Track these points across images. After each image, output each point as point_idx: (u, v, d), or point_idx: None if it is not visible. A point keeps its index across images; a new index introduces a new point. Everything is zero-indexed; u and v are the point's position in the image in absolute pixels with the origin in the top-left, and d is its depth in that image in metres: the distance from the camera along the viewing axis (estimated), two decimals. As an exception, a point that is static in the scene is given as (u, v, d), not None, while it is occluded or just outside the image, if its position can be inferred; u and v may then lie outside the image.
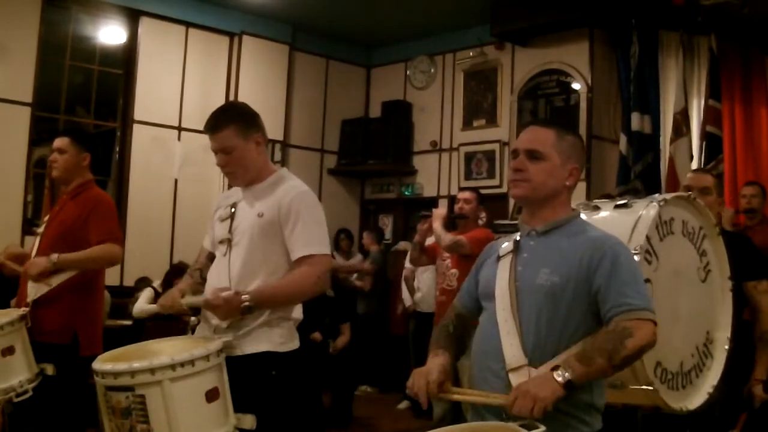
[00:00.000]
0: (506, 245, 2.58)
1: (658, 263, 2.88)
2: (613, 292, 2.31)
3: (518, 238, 2.57)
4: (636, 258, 2.71)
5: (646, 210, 2.92)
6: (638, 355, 2.27)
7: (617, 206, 3.06)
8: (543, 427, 2.09)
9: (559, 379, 2.17)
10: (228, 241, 3.25)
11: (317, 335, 7.17)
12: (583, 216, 2.64)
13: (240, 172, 3.29)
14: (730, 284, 3.24)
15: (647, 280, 2.75)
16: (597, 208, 3.10)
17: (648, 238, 2.84)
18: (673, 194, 3.16)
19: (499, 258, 2.56)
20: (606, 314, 2.31)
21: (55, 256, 4.01)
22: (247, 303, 3.01)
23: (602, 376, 2.28)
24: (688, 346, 3.03)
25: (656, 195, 3.05)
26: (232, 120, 3.26)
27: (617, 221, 2.94)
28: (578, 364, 2.20)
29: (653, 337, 2.28)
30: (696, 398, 3.00)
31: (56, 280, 4.05)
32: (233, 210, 3.30)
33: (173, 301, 3.20)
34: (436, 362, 2.49)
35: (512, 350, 2.37)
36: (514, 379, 2.34)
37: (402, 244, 9.57)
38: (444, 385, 2.41)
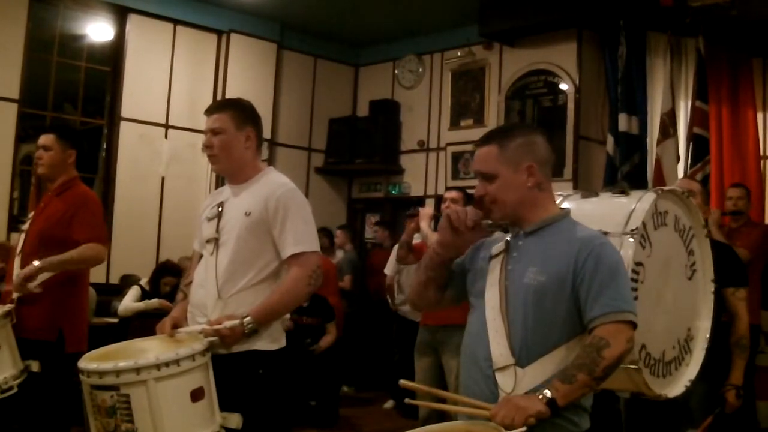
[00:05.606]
0: (498, 245, 2.58)
1: (651, 250, 2.94)
2: (593, 293, 2.32)
3: (509, 237, 2.58)
4: (631, 241, 2.78)
5: (646, 197, 2.99)
6: (618, 362, 2.28)
7: (616, 193, 3.14)
8: (524, 428, 2.13)
9: (542, 398, 2.20)
10: (215, 240, 3.25)
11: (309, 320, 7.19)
12: (579, 202, 2.65)
13: (222, 157, 3.31)
14: (712, 287, 3.30)
15: (640, 264, 2.81)
16: (596, 194, 3.21)
17: (644, 224, 2.90)
18: (669, 187, 3.23)
19: (491, 258, 2.57)
20: (586, 317, 2.33)
21: (37, 262, 3.99)
22: (251, 325, 3.06)
23: (588, 391, 2.29)
24: (671, 337, 3.09)
25: (652, 188, 3.12)
26: (231, 107, 3.39)
27: (616, 206, 3.01)
28: (560, 383, 2.23)
29: (630, 343, 2.30)
30: (674, 389, 3.07)
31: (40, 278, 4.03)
32: (221, 209, 3.31)
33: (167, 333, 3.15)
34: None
35: (499, 349, 2.39)
36: (501, 378, 2.36)
37: None
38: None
